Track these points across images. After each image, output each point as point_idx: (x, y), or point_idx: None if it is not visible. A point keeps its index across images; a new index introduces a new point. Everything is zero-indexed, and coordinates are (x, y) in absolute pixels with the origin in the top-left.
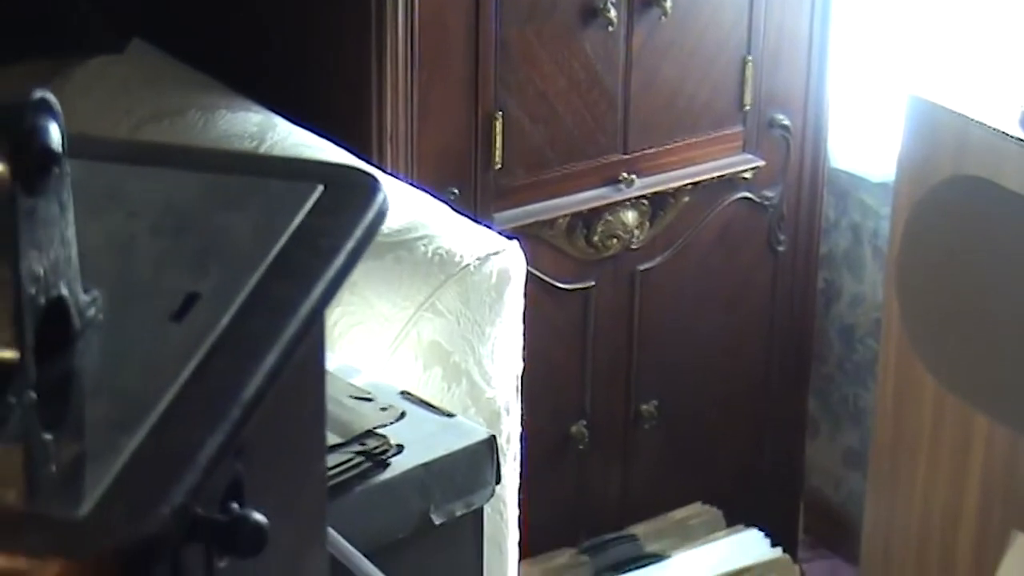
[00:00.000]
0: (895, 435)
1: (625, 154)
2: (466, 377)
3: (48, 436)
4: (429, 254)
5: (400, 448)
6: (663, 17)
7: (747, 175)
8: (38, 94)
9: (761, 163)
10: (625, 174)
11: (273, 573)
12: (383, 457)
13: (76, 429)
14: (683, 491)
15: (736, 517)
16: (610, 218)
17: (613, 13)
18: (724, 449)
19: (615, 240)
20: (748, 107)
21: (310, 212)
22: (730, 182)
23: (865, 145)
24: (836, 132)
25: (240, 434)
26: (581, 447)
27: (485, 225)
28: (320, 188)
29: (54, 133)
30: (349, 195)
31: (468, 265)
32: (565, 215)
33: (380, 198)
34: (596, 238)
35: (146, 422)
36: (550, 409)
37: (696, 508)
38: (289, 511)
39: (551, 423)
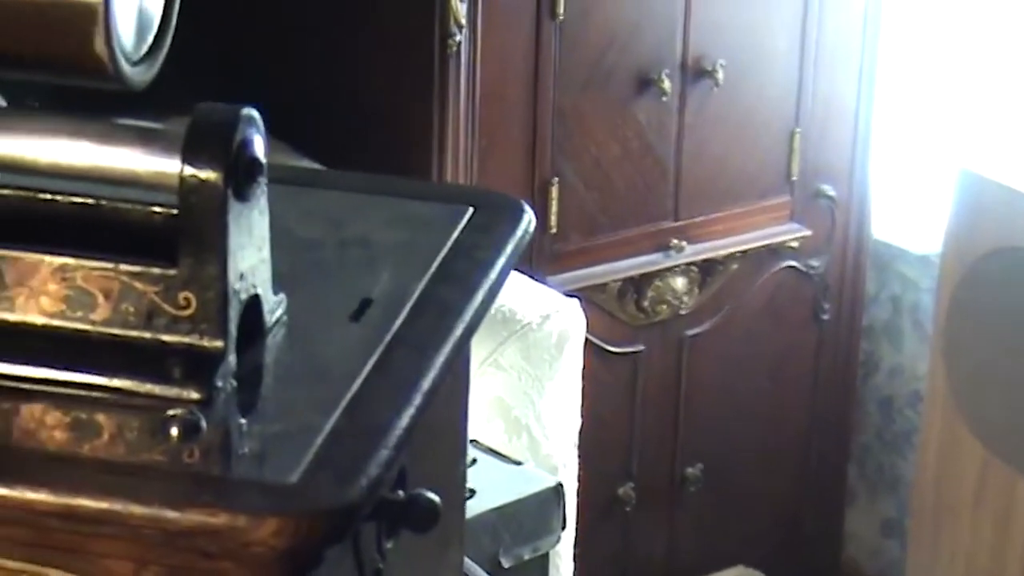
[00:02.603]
0: (936, 502)
1: (676, 221)
2: (526, 432)
3: (248, 418)
4: (492, 311)
5: (472, 492)
6: (715, 88)
7: (794, 244)
8: (247, 110)
9: (807, 233)
10: (675, 241)
11: (423, 563)
12: None
13: (274, 411)
14: (726, 554)
15: None
16: (660, 284)
17: (667, 84)
18: (767, 513)
19: (664, 305)
20: (795, 178)
21: (464, 229)
22: (777, 251)
23: (907, 218)
24: (878, 204)
25: (421, 420)
26: (628, 509)
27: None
28: (471, 209)
29: (260, 146)
30: (498, 215)
31: (530, 323)
32: (617, 280)
33: (527, 218)
34: (646, 303)
35: (337, 406)
36: (598, 470)
37: (739, 571)
38: None
39: (599, 484)
